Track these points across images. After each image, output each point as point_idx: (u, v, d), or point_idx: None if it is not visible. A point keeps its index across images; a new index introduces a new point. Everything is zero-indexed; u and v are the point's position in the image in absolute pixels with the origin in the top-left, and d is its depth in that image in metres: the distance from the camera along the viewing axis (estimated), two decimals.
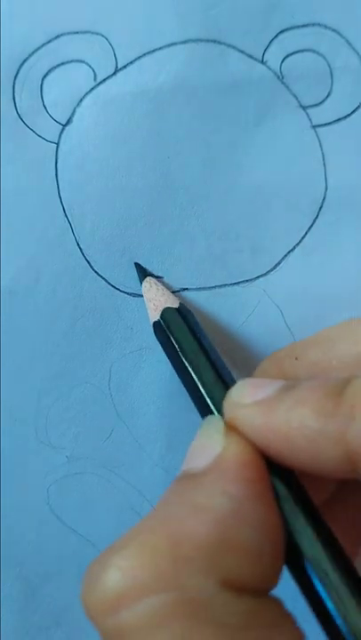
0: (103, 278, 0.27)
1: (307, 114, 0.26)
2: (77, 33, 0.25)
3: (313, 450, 0.17)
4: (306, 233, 0.27)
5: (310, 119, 0.26)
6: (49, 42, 0.25)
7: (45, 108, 0.26)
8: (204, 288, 0.27)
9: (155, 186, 0.26)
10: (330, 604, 0.17)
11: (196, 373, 0.22)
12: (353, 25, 0.26)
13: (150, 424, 0.27)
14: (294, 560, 0.18)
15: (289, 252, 0.27)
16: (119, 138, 0.26)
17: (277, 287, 0.27)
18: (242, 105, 0.26)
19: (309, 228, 0.26)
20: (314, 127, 0.26)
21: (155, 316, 0.25)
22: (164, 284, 0.26)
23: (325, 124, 0.26)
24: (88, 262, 0.26)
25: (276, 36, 0.26)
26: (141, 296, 0.26)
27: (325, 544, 0.18)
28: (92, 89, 0.26)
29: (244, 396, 0.19)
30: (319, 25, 0.26)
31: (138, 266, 0.26)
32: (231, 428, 0.19)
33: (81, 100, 0.26)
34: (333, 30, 0.26)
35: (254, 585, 0.16)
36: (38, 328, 0.27)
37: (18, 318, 0.27)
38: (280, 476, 0.19)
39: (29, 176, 0.26)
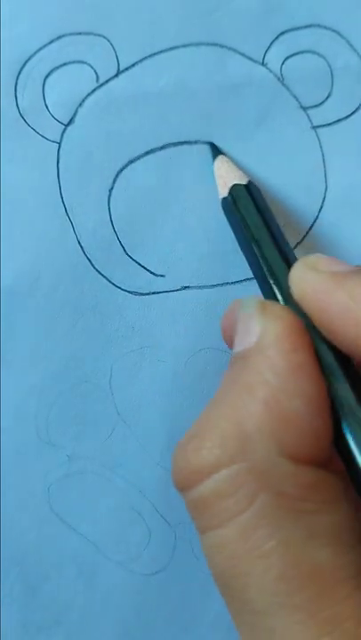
0: (104, 277, 0.26)
1: (307, 115, 0.26)
2: (80, 34, 0.25)
3: None
4: (306, 233, 0.26)
5: (311, 120, 0.26)
6: (51, 42, 0.25)
7: (47, 107, 0.26)
8: (205, 286, 0.26)
9: (156, 185, 0.26)
10: None
11: (258, 250, 0.22)
12: (353, 25, 0.26)
13: (151, 423, 0.27)
14: (339, 429, 0.18)
15: None
16: (121, 138, 0.26)
17: None
18: (243, 106, 0.26)
19: (310, 229, 0.26)
20: (314, 128, 0.26)
21: (223, 192, 0.25)
22: (236, 164, 0.26)
23: (326, 125, 0.26)
24: (89, 261, 0.26)
25: (276, 38, 0.26)
26: (142, 294, 0.26)
27: None
28: (94, 90, 0.26)
29: (320, 264, 0.20)
30: (319, 26, 0.26)
31: (212, 145, 0.26)
32: (266, 307, 0.20)
33: (83, 101, 0.26)
34: (333, 31, 0.26)
35: (312, 454, 0.18)
36: (39, 326, 0.26)
37: (19, 317, 0.26)
38: (331, 355, 0.19)
39: (31, 175, 0.26)
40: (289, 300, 0.20)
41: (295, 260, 0.22)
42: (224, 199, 0.25)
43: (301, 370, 0.18)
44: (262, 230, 0.23)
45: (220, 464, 0.18)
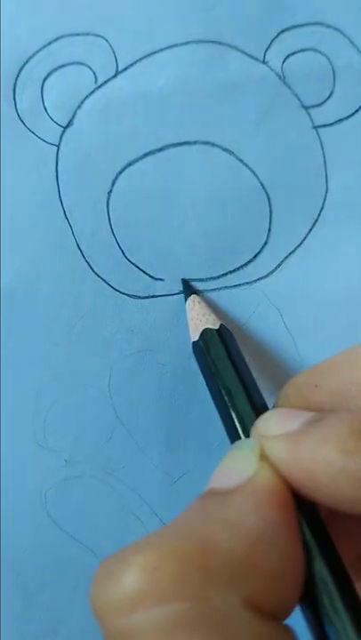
0: (103, 280, 0.26)
1: (308, 114, 0.26)
2: (78, 35, 0.25)
3: (335, 487, 0.17)
4: (307, 235, 0.26)
5: (312, 119, 0.26)
6: (49, 44, 0.25)
7: (46, 110, 0.25)
8: (204, 290, 0.26)
9: (155, 188, 0.26)
10: None
11: (229, 398, 0.22)
12: (355, 23, 0.25)
13: (150, 427, 0.27)
14: (309, 593, 0.18)
15: (290, 254, 0.26)
16: (120, 140, 0.25)
17: (277, 289, 0.26)
18: (243, 105, 0.25)
19: (310, 230, 0.26)
20: (315, 128, 0.26)
21: (195, 335, 0.24)
22: (208, 302, 0.26)
23: (327, 125, 0.26)
24: (88, 264, 0.26)
25: (277, 36, 0.25)
26: (141, 298, 0.26)
27: (339, 584, 0.18)
28: (93, 91, 0.25)
29: (272, 428, 0.20)
30: (321, 24, 0.25)
31: (185, 282, 0.26)
32: (266, 455, 0.19)
33: (82, 103, 0.25)
34: (335, 29, 0.25)
35: (274, 609, 0.16)
36: (38, 329, 0.26)
37: (17, 319, 0.26)
38: (303, 507, 0.19)
39: (30, 178, 0.26)
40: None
41: (265, 407, 0.22)
42: (194, 343, 0.25)
43: (285, 526, 0.17)
44: (233, 378, 0.23)
45: (169, 595, 0.15)
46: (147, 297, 0.26)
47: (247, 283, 0.26)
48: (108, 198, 0.26)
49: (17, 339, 0.26)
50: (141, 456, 0.27)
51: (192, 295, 0.26)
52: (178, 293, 0.26)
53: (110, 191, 0.26)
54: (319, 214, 0.26)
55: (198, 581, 0.15)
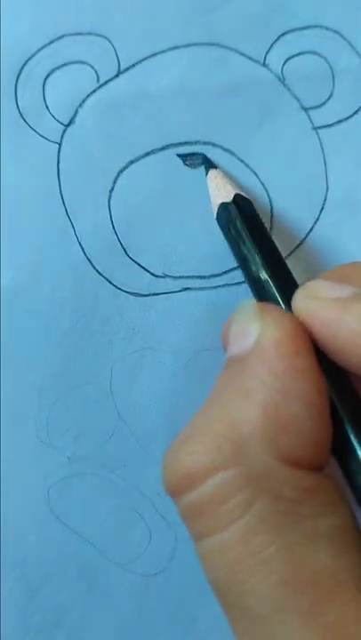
0: (105, 278, 0.26)
1: (308, 115, 0.26)
2: (80, 34, 0.25)
3: None
4: (307, 234, 0.26)
5: (312, 121, 0.26)
6: (51, 42, 0.25)
7: (48, 108, 0.25)
8: (205, 288, 0.26)
9: (156, 186, 0.25)
10: None
11: (245, 266, 0.22)
12: (354, 26, 0.25)
13: (152, 424, 0.27)
14: (338, 437, 0.18)
15: (290, 253, 0.26)
16: (121, 139, 0.25)
17: None
18: (244, 107, 0.25)
19: (310, 230, 0.26)
20: (315, 129, 0.26)
21: (214, 212, 0.24)
22: (227, 177, 0.25)
23: (327, 126, 0.26)
24: (90, 262, 0.26)
25: (277, 39, 0.25)
26: (143, 296, 0.26)
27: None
28: (95, 90, 0.25)
29: (321, 291, 0.20)
30: (320, 27, 0.25)
31: (204, 157, 0.25)
32: (265, 310, 0.19)
33: (83, 101, 0.25)
34: (335, 32, 0.25)
35: (309, 458, 0.17)
36: (39, 327, 0.26)
37: (19, 317, 0.26)
38: (333, 371, 0.19)
39: (31, 176, 0.25)
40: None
41: (288, 273, 0.22)
42: (216, 219, 0.24)
43: (301, 374, 0.18)
44: (249, 245, 0.23)
45: (215, 468, 0.17)
46: (148, 295, 0.26)
47: None
48: (110, 196, 0.26)
49: (18, 336, 0.26)
50: (143, 454, 0.27)
51: (210, 170, 0.25)
52: (179, 291, 0.26)
53: (112, 189, 0.26)
54: (320, 214, 0.26)
55: (234, 451, 0.17)
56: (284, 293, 0.21)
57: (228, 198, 0.24)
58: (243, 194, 0.24)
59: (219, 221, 0.24)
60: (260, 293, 0.22)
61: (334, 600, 0.16)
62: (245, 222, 0.23)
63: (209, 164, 0.25)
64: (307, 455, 0.17)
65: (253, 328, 0.19)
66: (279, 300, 0.21)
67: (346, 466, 0.18)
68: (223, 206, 0.24)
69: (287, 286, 0.21)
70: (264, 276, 0.22)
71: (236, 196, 0.24)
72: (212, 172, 0.25)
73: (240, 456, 0.17)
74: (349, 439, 0.18)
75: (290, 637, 0.16)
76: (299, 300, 0.20)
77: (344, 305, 0.19)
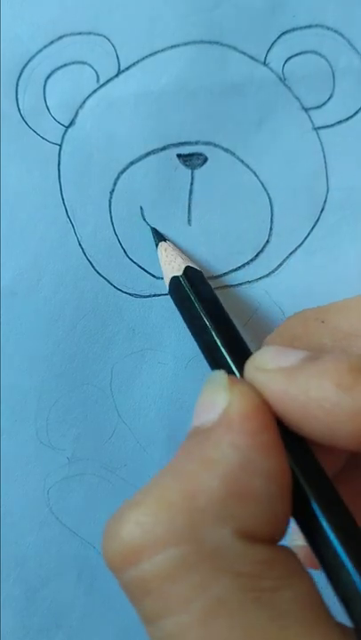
0: (105, 279, 0.26)
1: (309, 116, 0.25)
2: (80, 34, 0.25)
3: (328, 421, 0.17)
4: (308, 234, 0.25)
5: (312, 121, 0.25)
6: (51, 43, 0.25)
7: (48, 109, 0.25)
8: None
9: (157, 187, 0.25)
10: (338, 549, 0.17)
11: (199, 336, 0.22)
12: (355, 26, 0.25)
13: (152, 425, 0.26)
14: (300, 509, 0.18)
15: (291, 254, 0.26)
16: (122, 140, 0.25)
17: (279, 288, 0.26)
18: (244, 107, 0.25)
19: (311, 230, 0.25)
20: (316, 129, 0.25)
21: (166, 285, 0.24)
22: (176, 247, 0.25)
23: (327, 126, 0.25)
24: (90, 263, 0.26)
25: (278, 38, 0.25)
26: (143, 297, 0.26)
27: (331, 500, 0.18)
28: (95, 91, 0.25)
29: (268, 362, 0.19)
30: (321, 26, 0.25)
31: (153, 230, 0.25)
32: (234, 383, 0.19)
33: (84, 102, 0.25)
34: (335, 31, 0.25)
35: (267, 533, 0.17)
36: (39, 328, 0.26)
37: (19, 318, 0.26)
38: (293, 441, 0.18)
39: (32, 177, 0.25)
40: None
41: (241, 341, 0.22)
42: (169, 292, 0.24)
43: (265, 450, 0.17)
44: (200, 318, 0.22)
45: (166, 542, 0.16)
46: (148, 296, 0.26)
47: (249, 282, 0.26)
48: (111, 197, 0.25)
49: (19, 337, 0.26)
50: (143, 454, 0.27)
51: (160, 243, 0.25)
52: None
53: (112, 190, 0.25)
54: (320, 214, 0.25)
55: (188, 524, 0.16)
56: (238, 362, 0.21)
57: (180, 271, 0.24)
58: (193, 265, 0.24)
59: (171, 294, 0.24)
60: (216, 362, 0.21)
61: None
62: (197, 294, 0.23)
63: (159, 237, 0.25)
64: (264, 530, 0.16)
65: (221, 399, 0.18)
66: (233, 369, 0.21)
67: (311, 536, 0.18)
68: (175, 280, 0.24)
69: (240, 355, 0.21)
70: (218, 345, 0.22)
71: (187, 269, 0.24)
72: (161, 245, 0.25)
73: (194, 531, 0.16)
74: (314, 512, 0.17)
75: None
76: (248, 371, 0.19)
77: (289, 375, 0.18)
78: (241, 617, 0.15)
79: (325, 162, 0.25)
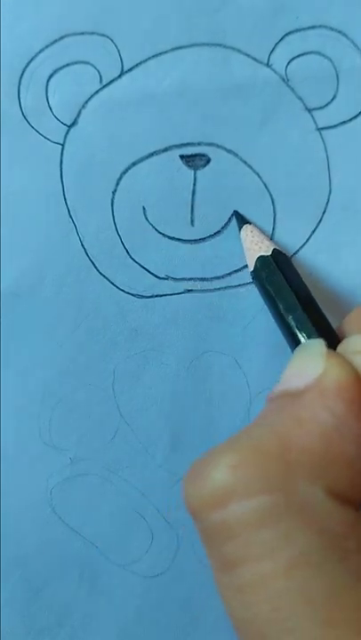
0: (108, 279, 0.26)
1: (312, 116, 0.25)
2: (83, 34, 0.24)
3: None
4: (310, 235, 0.25)
5: (315, 122, 0.25)
6: (54, 42, 0.24)
7: (50, 108, 0.25)
8: (208, 290, 0.26)
9: (159, 188, 0.25)
10: None
11: (290, 318, 0.22)
12: (358, 27, 0.25)
13: (154, 426, 0.26)
14: None
15: (293, 255, 0.25)
16: (124, 140, 0.25)
17: None
18: (247, 108, 0.25)
19: (314, 231, 0.25)
20: (319, 130, 0.25)
21: (251, 265, 0.24)
22: (262, 232, 0.25)
23: (330, 127, 0.25)
24: (92, 263, 0.25)
25: (281, 39, 0.25)
26: (145, 297, 0.25)
27: None
28: (98, 91, 0.25)
29: None
30: (324, 27, 0.25)
31: (236, 213, 0.25)
32: (332, 353, 0.19)
33: (86, 102, 0.25)
34: (339, 32, 0.25)
35: (355, 498, 0.17)
36: (42, 329, 0.25)
37: (21, 319, 0.25)
38: None
39: (34, 177, 0.25)
40: None
41: (330, 328, 0.22)
42: (252, 273, 0.24)
43: (358, 419, 0.17)
44: (291, 299, 0.22)
45: (258, 489, 0.16)
46: (151, 296, 0.26)
47: (251, 282, 0.25)
48: (113, 197, 0.25)
49: (21, 338, 0.26)
50: (145, 455, 0.26)
51: (245, 225, 0.25)
52: (182, 293, 0.26)
53: (115, 190, 0.25)
54: (322, 215, 0.25)
55: (281, 475, 0.16)
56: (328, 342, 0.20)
57: (267, 252, 0.24)
58: (280, 249, 0.24)
59: (257, 273, 0.24)
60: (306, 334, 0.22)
61: None
62: (285, 276, 0.23)
63: (242, 220, 0.25)
64: (354, 493, 0.17)
65: (315, 366, 0.18)
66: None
67: None
68: (263, 259, 0.24)
69: (329, 336, 0.21)
70: (309, 323, 0.22)
71: (274, 251, 0.24)
72: (247, 227, 0.25)
73: (287, 482, 0.16)
74: None
75: None
76: (344, 353, 0.19)
77: None
78: (326, 573, 0.15)
79: (328, 162, 0.25)
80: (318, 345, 0.19)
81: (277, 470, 0.16)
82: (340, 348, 0.20)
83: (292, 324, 0.22)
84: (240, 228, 0.25)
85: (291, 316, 0.22)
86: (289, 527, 0.15)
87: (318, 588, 0.15)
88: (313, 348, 0.19)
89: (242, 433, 0.17)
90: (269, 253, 0.24)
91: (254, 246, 0.24)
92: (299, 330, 0.22)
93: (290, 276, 0.23)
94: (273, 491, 0.16)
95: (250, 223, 0.25)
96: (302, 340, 0.21)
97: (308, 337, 0.21)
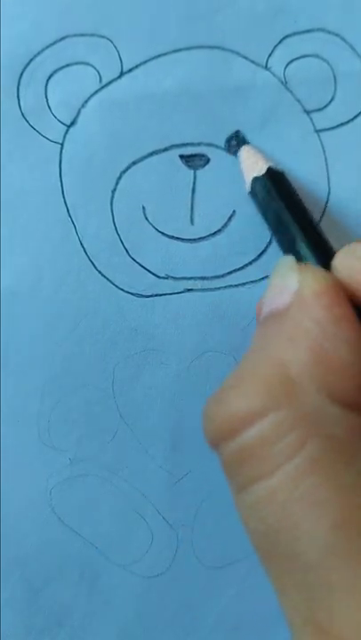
0: (107, 279, 0.25)
1: (310, 118, 0.25)
2: (83, 35, 0.24)
3: None
4: None
5: (314, 124, 0.25)
6: (54, 43, 0.24)
7: (50, 108, 0.24)
8: (208, 289, 0.25)
9: (159, 187, 0.25)
10: None
11: (285, 233, 0.22)
12: (356, 30, 0.24)
13: (154, 426, 0.26)
14: None
15: None
16: (123, 140, 0.24)
17: None
18: (246, 109, 0.25)
19: None
20: (317, 131, 0.25)
21: (248, 186, 0.24)
22: (259, 149, 0.25)
23: (329, 129, 0.25)
24: (92, 263, 0.25)
25: (279, 42, 0.25)
26: (145, 297, 0.25)
27: None
28: (97, 91, 0.25)
29: None
30: (322, 30, 0.25)
31: (237, 133, 0.25)
32: (305, 266, 0.19)
33: (86, 102, 0.25)
34: (337, 35, 0.25)
35: (357, 400, 0.17)
36: (40, 329, 0.25)
37: (20, 318, 0.25)
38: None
39: (33, 176, 0.24)
40: None
41: (325, 240, 0.22)
42: (250, 193, 0.24)
43: (343, 320, 0.18)
44: (286, 215, 0.22)
45: (266, 409, 0.17)
46: (150, 296, 0.25)
47: (252, 282, 0.25)
48: (112, 197, 0.25)
49: (20, 338, 0.25)
50: (145, 455, 0.26)
51: (243, 147, 0.24)
52: (182, 292, 0.25)
53: (114, 190, 0.25)
54: (322, 216, 0.25)
55: (286, 391, 0.17)
56: (321, 258, 0.21)
57: (261, 172, 0.23)
58: (274, 166, 0.24)
59: (253, 196, 0.24)
60: (299, 258, 0.21)
61: None
62: (279, 193, 0.23)
63: (242, 141, 0.25)
64: (354, 396, 0.17)
65: (292, 282, 0.19)
66: (315, 263, 0.21)
67: None
68: (256, 180, 0.23)
69: (323, 251, 0.21)
70: (302, 243, 0.21)
71: (269, 170, 0.23)
72: (244, 148, 0.24)
73: (291, 396, 0.17)
74: None
75: (348, 584, 0.15)
76: (341, 258, 0.20)
77: None
78: (332, 477, 0.16)
79: (327, 164, 0.25)
80: (290, 261, 0.20)
81: (281, 389, 0.17)
82: (342, 253, 0.20)
83: (286, 246, 0.22)
84: (239, 148, 0.25)
85: (284, 239, 0.22)
86: (299, 437, 0.16)
87: (326, 492, 0.16)
88: (286, 265, 0.20)
89: (242, 365, 0.18)
90: (263, 172, 0.23)
91: (249, 168, 0.24)
92: (298, 246, 0.21)
93: (284, 192, 0.23)
94: (280, 407, 0.17)
95: (248, 144, 0.25)
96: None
97: (300, 258, 0.21)
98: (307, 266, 0.19)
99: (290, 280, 0.19)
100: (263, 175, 0.23)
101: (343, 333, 0.17)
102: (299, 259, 0.21)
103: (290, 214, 0.22)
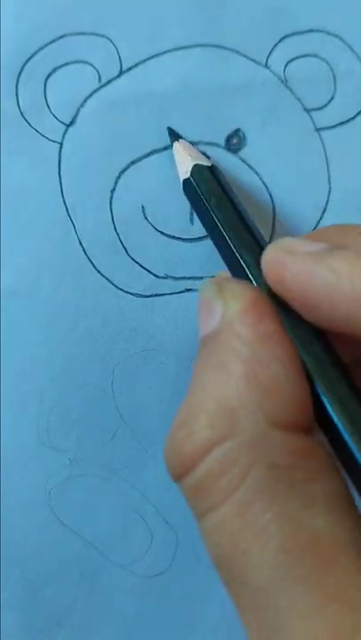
0: (106, 278, 0.25)
1: (310, 117, 0.25)
2: (82, 34, 0.24)
3: (354, 305, 0.17)
4: None
5: (314, 122, 0.25)
6: (53, 42, 0.24)
7: (49, 107, 0.24)
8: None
9: (159, 186, 0.25)
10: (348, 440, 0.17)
11: (226, 231, 0.21)
12: (355, 30, 0.24)
13: (154, 426, 0.25)
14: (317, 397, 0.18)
15: None
16: (123, 139, 0.24)
17: None
18: (246, 108, 0.25)
19: (313, 230, 0.26)
20: (317, 130, 0.25)
21: (185, 174, 0.23)
22: (194, 145, 0.24)
23: (329, 128, 0.25)
24: (91, 262, 0.25)
25: (279, 42, 0.25)
26: (145, 297, 0.25)
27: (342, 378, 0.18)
28: (97, 90, 0.25)
29: (294, 246, 0.19)
30: (322, 31, 0.25)
31: (170, 130, 0.24)
32: (222, 287, 0.19)
33: (85, 101, 0.25)
34: (336, 36, 0.25)
35: (295, 421, 0.17)
36: (40, 328, 0.25)
37: (19, 318, 0.25)
38: (305, 330, 0.18)
39: (32, 175, 0.24)
40: (262, 282, 0.19)
41: (264, 241, 0.21)
42: (185, 181, 0.23)
43: (270, 338, 0.17)
44: (228, 211, 0.22)
45: (211, 444, 0.17)
46: (150, 296, 0.25)
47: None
48: (111, 196, 0.25)
49: (19, 338, 0.25)
50: (144, 455, 0.26)
51: (174, 143, 0.24)
52: (181, 292, 0.25)
53: (113, 189, 0.25)
54: (322, 215, 0.25)
55: (227, 423, 0.17)
56: (251, 253, 0.20)
57: (187, 173, 0.23)
58: (202, 162, 0.23)
59: (186, 186, 0.23)
60: (228, 263, 0.21)
61: (334, 565, 0.15)
62: (205, 193, 0.22)
63: (174, 136, 0.24)
64: (294, 417, 0.17)
65: (216, 305, 0.18)
66: (242, 262, 0.20)
67: (327, 426, 0.18)
68: (185, 181, 0.23)
69: (253, 252, 0.20)
70: (233, 247, 0.21)
71: (194, 168, 0.23)
72: (175, 146, 0.24)
73: (233, 428, 0.17)
74: (324, 403, 0.17)
75: (292, 605, 0.15)
76: (270, 253, 0.19)
77: (317, 257, 0.18)
78: (275, 502, 0.16)
79: (327, 162, 0.25)
80: (209, 285, 0.19)
81: (223, 422, 0.17)
82: (270, 247, 0.19)
83: (218, 249, 0.21)
84: (172, 142, 0.24)
85: (215, 242, 0.21)
86: (241, 468, 0.16)
87: (269, 519, 0.16)
88: (208, 290, 0.19)
89: (185, 403, 0.18)
90: (188, 175, 0.23)
91: (180, 169, 0.24)
92: (222, 241, 0.21)
93: (210, 192, 0.22)
94: (224, 440, 0.17)
95: (178, 140, 0.24)
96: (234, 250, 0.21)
97: (229, 263, 0.21)
98: (226, 285, 0.19)
99: (215, 302, 0.19)
100: (188, 178, 0.23)
101: (272, 352, 0.17)
102: (233, 263, 0.20)
103: (217, 215, 0.22)
